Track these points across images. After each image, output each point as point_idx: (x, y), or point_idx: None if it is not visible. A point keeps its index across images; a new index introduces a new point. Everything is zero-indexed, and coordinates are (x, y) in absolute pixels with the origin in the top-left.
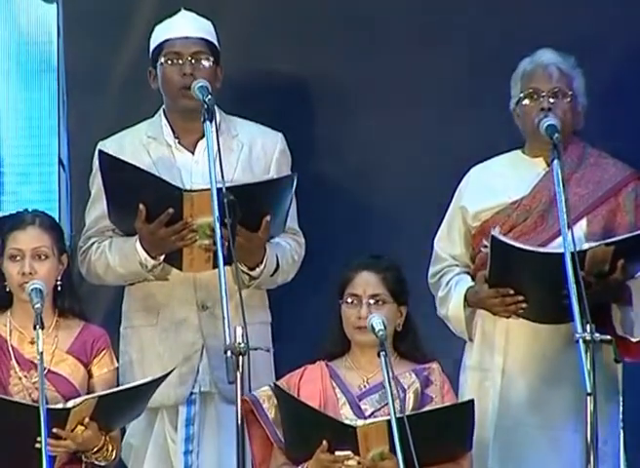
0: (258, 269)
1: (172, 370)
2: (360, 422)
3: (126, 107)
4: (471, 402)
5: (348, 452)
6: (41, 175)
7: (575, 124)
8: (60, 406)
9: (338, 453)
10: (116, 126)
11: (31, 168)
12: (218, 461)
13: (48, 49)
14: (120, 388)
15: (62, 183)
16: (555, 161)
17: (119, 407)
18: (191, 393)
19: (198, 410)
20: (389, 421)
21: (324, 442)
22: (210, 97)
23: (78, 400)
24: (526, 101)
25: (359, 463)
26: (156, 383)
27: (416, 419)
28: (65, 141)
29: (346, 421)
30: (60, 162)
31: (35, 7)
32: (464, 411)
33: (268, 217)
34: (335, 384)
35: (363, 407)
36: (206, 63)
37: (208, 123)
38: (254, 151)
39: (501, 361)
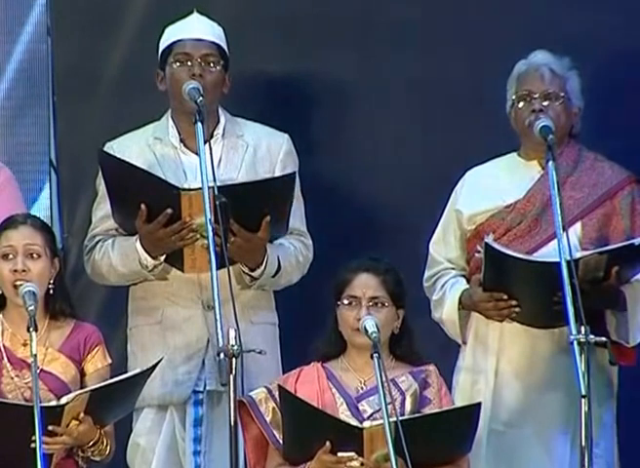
0: (258, 270)
1: (159, 361)
2: (367, 424)
3: (116, 110)
4: (478, 405)
5: (352, 453)
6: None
7: (569, 126)
8: (53, 403)
9: (341, 454)
10: (106, 128)
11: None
12: (227, 461)
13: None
14: (111, 381)
15: (54, 185)
16: (550, 162)
17: (111, 400)
18: (198, 392)
19: (206, 411)
20: (396, 423)
21: (327, 442)
22: (202, 98)
23: (71, 395)
24: (519, 104)
25: (362, 464)
26: (146, 374)
27: (421, 421)
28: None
29: (352, 422)
30: (52, 164)
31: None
32: (470, 414)
33: (268, 218)
34: (331, 385)
35: (361, 408)
36: (215, 67)
37: (200, 124)
38: (258, 152)
39: (495, 363)
